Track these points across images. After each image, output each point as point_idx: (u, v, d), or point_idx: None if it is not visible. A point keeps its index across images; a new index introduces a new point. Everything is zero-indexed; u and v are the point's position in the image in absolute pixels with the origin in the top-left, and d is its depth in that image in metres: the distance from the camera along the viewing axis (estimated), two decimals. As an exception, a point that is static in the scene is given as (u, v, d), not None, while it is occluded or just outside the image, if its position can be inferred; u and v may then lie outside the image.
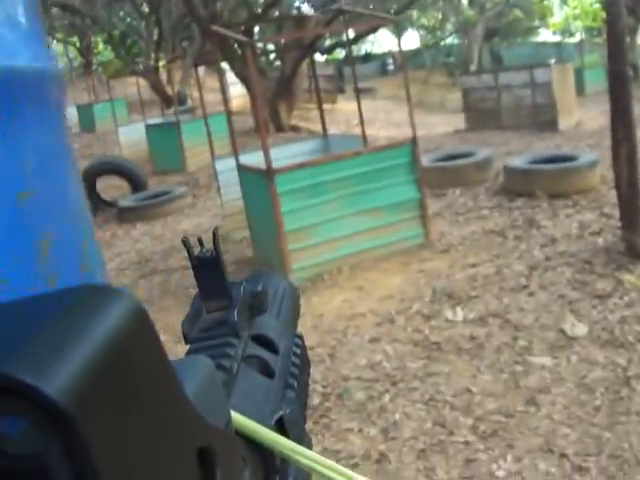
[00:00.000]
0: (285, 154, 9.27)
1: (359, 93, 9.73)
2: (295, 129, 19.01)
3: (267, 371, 0.61)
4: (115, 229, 12.16)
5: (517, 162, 10.10)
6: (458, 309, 6.35)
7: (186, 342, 0.58)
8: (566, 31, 41.45)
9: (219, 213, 10.56)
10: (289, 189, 7.60)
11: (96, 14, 29.90)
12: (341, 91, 28.87)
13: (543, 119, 16.15)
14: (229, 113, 9.03)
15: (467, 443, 4.43)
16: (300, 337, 0.70)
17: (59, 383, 0.27)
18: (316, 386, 5.36)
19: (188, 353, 0.57)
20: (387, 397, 5.09)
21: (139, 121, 18.82)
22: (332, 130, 17.06)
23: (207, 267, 0.59)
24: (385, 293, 7.03)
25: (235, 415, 0.48)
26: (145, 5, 29.62)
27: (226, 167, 9.11)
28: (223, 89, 9.20)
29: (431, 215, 8.71)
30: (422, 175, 8.33)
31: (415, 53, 39.48)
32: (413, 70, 34.73)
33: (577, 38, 38.99)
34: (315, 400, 5.15)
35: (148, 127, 17.78)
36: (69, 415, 0.27)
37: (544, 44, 39.97)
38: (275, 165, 7.61)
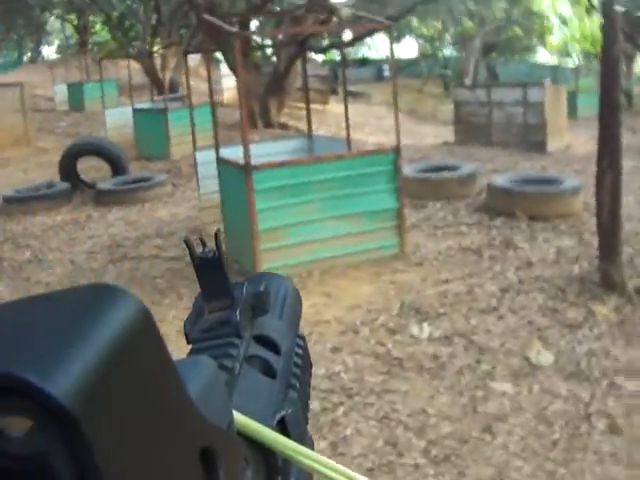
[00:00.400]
0: (268, 151, 9.16)
1: (347, 96, 9.61)
2: (284, 127, 18.86)
3: (269, 371, 0.61)
4: (91, 211, 11.99)
5: (500, 181, 9.99)
6: (424, 325, 6.22)
7: (188, 342, 0.58)
8: (564, 53, 41.46)
9: (197, 204, 10.41)
10: (266, 187, 7.46)
11: (96, -7, 29.66)
12: (334, 92, 28.69)
13: (532, 139, 16.06)
14: (213, 104, 8.87)
15: (417, 466, 4.29)
16: (302, 338, 0.69)
17: (63, 383, 0.27)
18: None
19: (190, 353, 0.57)
20: (341, 410, 4.95)
21: (128, 104, 18.62)
22: (321, 131, 16.97)
23: (209, 267, 0.58)
24: (353, 302, 6.89)
25: (237, 415, 0.48)
26: (145, -12, 29.40)
27: (207, 159, 8.99)
28: (209, 79, 9.04)
29: (409, 226, 8.59)
30: (403, 185, 8.22)
31: (412, 62, 39.38)
32: (409, 78, 34.62)
33: (574, 60, 39.05)
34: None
35: (135, 111, 17.62)
36: (72, 415, 0.27)
37: (541, 65, 39.96)
38: (255, 161, 7.48)
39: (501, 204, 9.48)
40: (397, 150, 7.94)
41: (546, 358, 5.56)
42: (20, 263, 9.25)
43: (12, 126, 18.09)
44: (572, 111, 20.90)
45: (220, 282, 0.59)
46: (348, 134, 9.15)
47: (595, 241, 7.21)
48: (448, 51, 42.10)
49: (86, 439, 0.28)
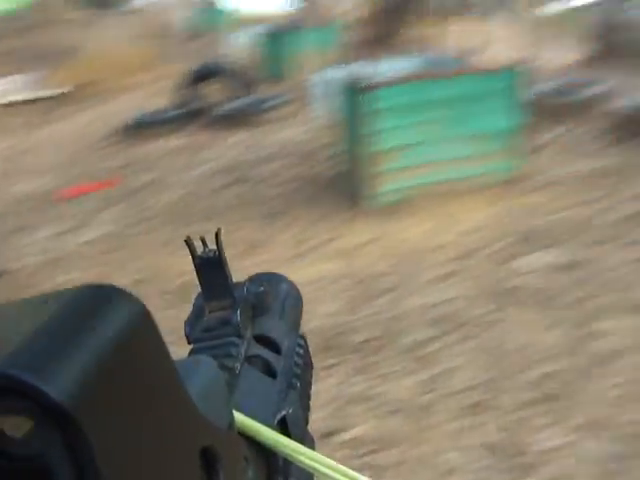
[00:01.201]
0: (388, 69, 8.89)
1: (473, 13, 9.18)
2: (411, 45, 18.39)
3: (270, 371, 0.61)
4: (211, 134, 12.01)
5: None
6: (542, 254, 5.86)
7: (189, 342, 0.58)
8: None
9: (317, 125, 10.23)
10: (383, 106, 7.22)
11: None
12: (465, 11, 27.76)
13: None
14: (338, 24, 8.67)
15: (520, 403, 4.03)
16: (303, 337, 0.70)
17: (62, 384, 0.27)
18: (376, 318, 5.08)
19: (191, 353, 0.56)
20: (446, 341, 4.71)
21: (253, 26, 18.61)
22: (449, 51, 16.45)
23: (210, 267, 0.58)
24: (468, 227, 6.57)
25: (238, 415, 0.48)
26: None
27: (327, 79, 8.86)
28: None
29: (533, 148, 8.13)
30: (530, 104, 7.82)
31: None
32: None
33: None
34: (368, 334, 4.83)
35: (260, 33, 17.61)
36: (72, 416, 0.27)
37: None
38: (375, 79, 7.31)
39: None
40: (518, 66, 7.59)
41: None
42: (137, 187, 9.31)
43: (136, 52, 18.24)
44: None
45: (221, 282, 0.59)
46: (470, 52, 8.79)
47: None
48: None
49: (86, 439, 0.27)
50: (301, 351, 0.67)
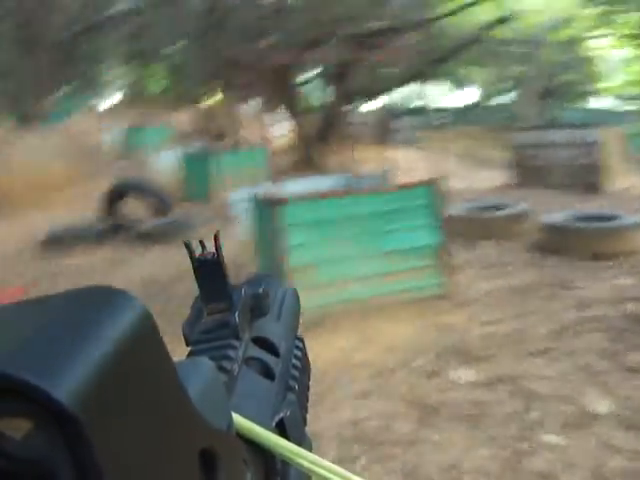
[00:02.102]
0: (308, 187, 8.88)
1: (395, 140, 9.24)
2: (333, 170, 18.70)
3: (268, 373, 0.60)
4: (132, 250, 11.92)
5: (555, 218, 9.50)
6: (466, 369, 5.64)
7: (187, 344, 0.57)
8: (624, 97, 40.81)
9: (237, 243, 10.12)
10: (298, 221, 7.11)
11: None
12: (387, 139, 28.52)
13: (590, 180, 15.61)
14: (267, 148, 8.74)
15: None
16: (301, 340, 0.70)
17: (65, 385, 0.27)
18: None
19: (189, 355, 0.55)
20: (362, 461, 4.37)
21: (178, 148, 18.85)
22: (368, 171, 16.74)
23: (208, 269, 0.57)
24: (390, 343, 6.34)
25: (236, 417, 0.47)
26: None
27: (246, 196, 8.87)
28: (262, 126, 8.92)
29: (456, 265, 8.08)
30: (454, 224, 7.84)
31: (469, 108, 39.07)
32: (466, 125, 34.27)
33: (637, 104, 38.40)
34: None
35: (184, 154, 17.97)
36: (73, 416, 0.27)
37: (600, 110, 39.30)
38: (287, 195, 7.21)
39: (555, 242, 9.01)
40: (433, 183, 7.57)
41: (604, 406, 4.92)
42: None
43: (62, 169, 18.19)
44: (635, 153, 20.43)
45: (219, 284, 0.58)
46: (391, 172, 8.83)
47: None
48: (506, 97, 41.78)
49: (87, 440, 0.27)
50: (299, 353, 0.66)
